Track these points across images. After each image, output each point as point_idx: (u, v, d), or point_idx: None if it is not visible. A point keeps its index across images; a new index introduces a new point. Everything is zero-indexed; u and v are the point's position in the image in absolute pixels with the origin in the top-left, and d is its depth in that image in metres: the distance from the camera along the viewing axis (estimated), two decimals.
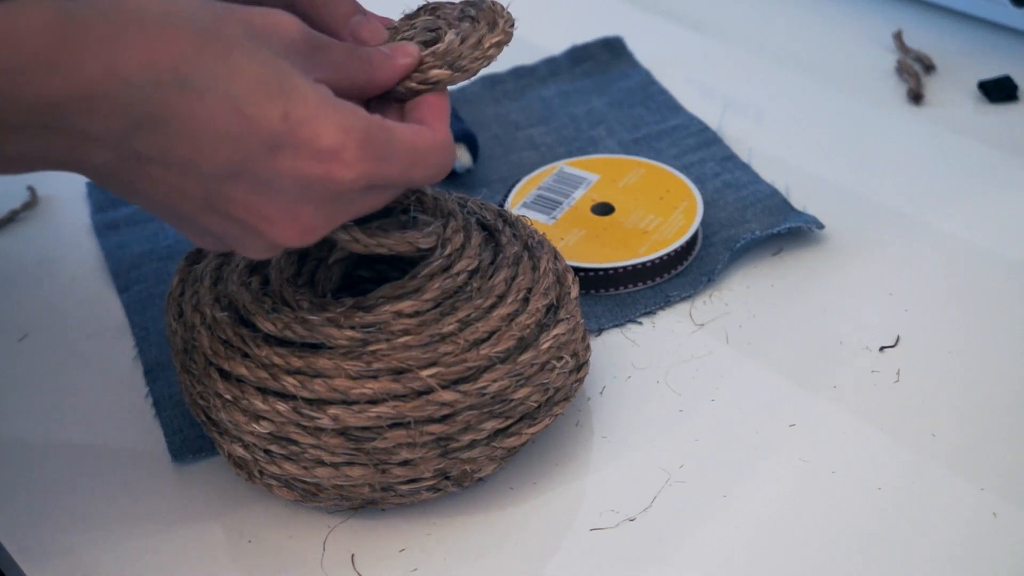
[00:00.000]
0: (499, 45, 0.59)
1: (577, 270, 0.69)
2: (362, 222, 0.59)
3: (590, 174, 0.76)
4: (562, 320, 0.60)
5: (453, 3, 0.61)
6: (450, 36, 0.59)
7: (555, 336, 0.60)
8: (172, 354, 0.62)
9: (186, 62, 0.50)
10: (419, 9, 0.62)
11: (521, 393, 0.58)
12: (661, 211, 0.73)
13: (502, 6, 0.60)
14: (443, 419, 0.57)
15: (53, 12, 0.48)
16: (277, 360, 0.57)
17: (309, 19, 0.62)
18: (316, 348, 0.57)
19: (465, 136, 0.79)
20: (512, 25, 0.59)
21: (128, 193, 0.53)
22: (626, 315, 0.69)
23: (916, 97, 0.84)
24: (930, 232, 0.74)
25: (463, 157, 0.78)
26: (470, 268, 0.60)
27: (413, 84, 0.58)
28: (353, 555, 0.58)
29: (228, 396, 0.58)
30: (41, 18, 0.48)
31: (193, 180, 0.51)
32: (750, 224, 0.74)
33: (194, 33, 0.50)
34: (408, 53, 0.58)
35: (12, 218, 0.79)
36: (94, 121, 0.49)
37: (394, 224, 0.61)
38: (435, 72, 0.58)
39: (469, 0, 0.60)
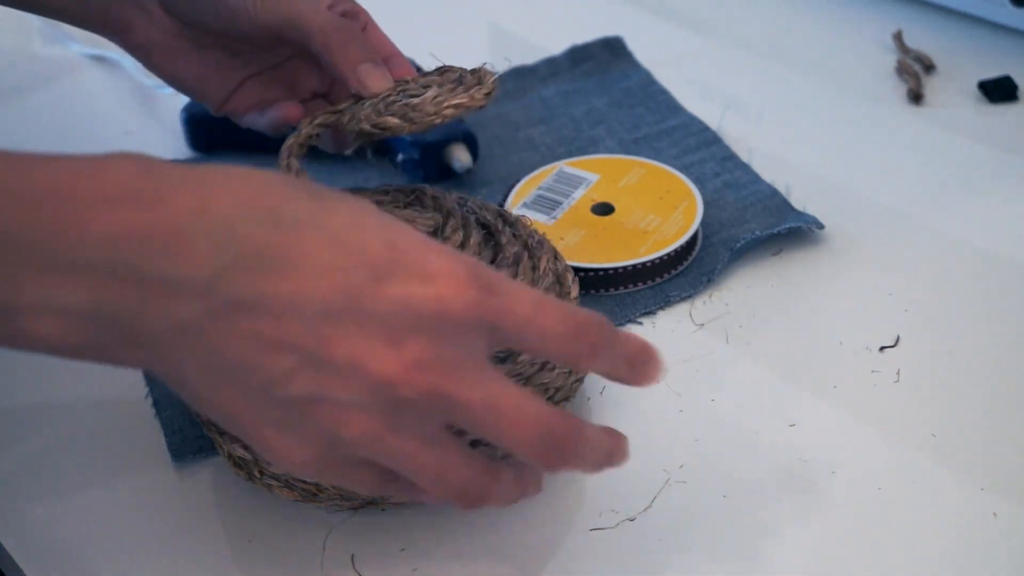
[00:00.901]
0: (459, 107, 0.61)
1: (577, 270, 0.69)
2: None
3: (590, 174, 0.76)
4: None
5: (462, 69, 0.64)
6: (427, 95, 0.62)
7: None
8: None
9: (282, 200, 0.46)
10: (435, 70, 0.65)
11: None
12: (661, 211, 0.73)
13: (491, 75, 0.62)
14: None
15: (143, 159, 0.46)
16: None
17: (321, 64, 0.66)
18: None
19: (465, 136, 0.79)
20: (488, 94, 0.62)
21: (202, 368, 0.46)
22: (626, 315, 0.69)
23: (916, 97, 0.84)
24: (930, 232, 0.74)
25: (463, 157, 0.78)
26: None
27: (366, 127, 0.62)
28: (353, 555, 0.58)
29: None
30: (130, 160, 0.45)
31: (294, 326, 0.45)
32: (750, 224, 0.74)
33: (283, 179, 0.48)
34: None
35: None
36: (182, 263, 0.44)
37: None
38: (390, 120, 0.61)
39: (473, 69, 0.63)
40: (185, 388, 0.48)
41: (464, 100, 0.61)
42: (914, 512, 0.58)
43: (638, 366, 0.50)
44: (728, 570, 0.57)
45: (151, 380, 0.67)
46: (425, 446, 0.48)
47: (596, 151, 0.81)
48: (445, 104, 0.61)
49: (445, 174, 0.79)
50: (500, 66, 0.88)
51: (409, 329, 0.46)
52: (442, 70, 0.65)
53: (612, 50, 0.90)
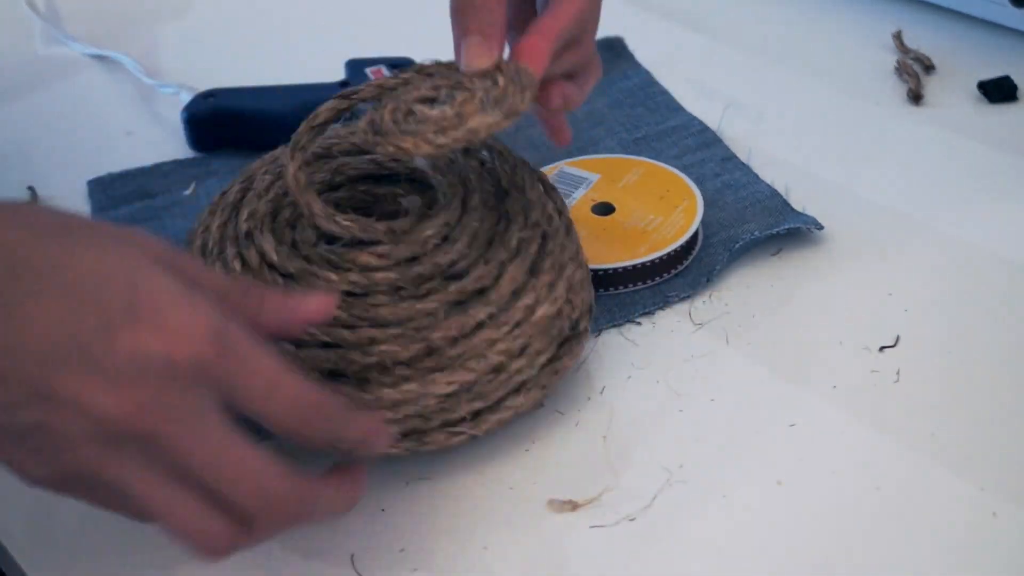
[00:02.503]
0: (449, 140, 0.57)
1: None
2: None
3: (590, 174, 0.76)
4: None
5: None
6: (431, 112, 0.59)
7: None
8: None
9: (23, 244, 0.48)
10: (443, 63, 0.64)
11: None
12: (661, 211, 0.73)
13: (523, 91, 0.59)
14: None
15: None
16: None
17: None
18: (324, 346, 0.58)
19: None
20: (512, 112, 0.58)
21: None
22: (625, 315, 0.69)
23: (916, 97, 0.84)
24: (930, 232, 0.74)
25: None
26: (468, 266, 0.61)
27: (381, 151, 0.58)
28: (353, 555, 0.58)
29: None
30: None
31: (17, 366, 0.47)
32: (750, 224, 0.74)
33: (33, 217, 0.50)
34: (317, 309, 0.54)
35: None
36: None
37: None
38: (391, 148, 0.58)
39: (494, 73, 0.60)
40: None
41: (452, 136, 0.57)
42: (914, 512, 0.58)
43: (369, 442, 0.54)
44: (728, 569, 0.57)
45: None
46: (156, 482, 0.49)
47: (596, 151, 0.81)
48: (438, 140, 0.57)
49: None
50: None
51: (134, 376, 0.47)
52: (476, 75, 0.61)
53: (612, 50, 0.90)
